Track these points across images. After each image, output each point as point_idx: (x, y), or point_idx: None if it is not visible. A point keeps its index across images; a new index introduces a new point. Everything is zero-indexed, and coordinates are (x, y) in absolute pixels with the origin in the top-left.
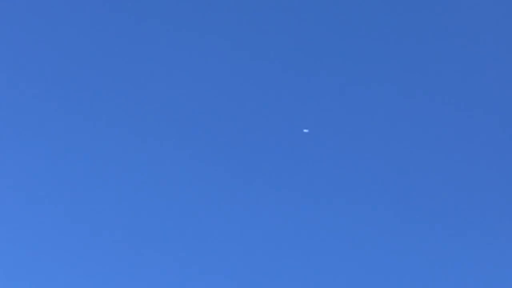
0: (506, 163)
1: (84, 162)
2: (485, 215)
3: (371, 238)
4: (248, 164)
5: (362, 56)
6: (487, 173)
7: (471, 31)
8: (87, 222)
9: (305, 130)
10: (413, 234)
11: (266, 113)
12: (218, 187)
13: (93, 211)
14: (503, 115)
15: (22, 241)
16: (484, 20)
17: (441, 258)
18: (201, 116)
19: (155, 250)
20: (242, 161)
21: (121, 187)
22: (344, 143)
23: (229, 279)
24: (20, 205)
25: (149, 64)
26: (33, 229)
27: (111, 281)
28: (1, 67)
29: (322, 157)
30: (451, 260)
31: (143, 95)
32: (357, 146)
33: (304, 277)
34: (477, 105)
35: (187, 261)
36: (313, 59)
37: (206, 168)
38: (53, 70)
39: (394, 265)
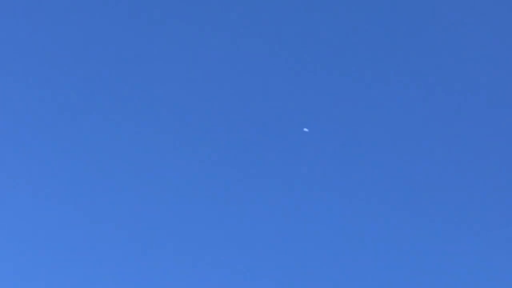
0: (506, 163)
1: (84, 162)
2: (485, 215)
3: (370, 237)
4: (248, 163)
5: (363, 55)
6: (487, 173)
7: (471, 31)
8: (86, 222)
9: (305, 129)
10: (413, 234)
11: (265, 111)
12: (217, 186)
13: (92, 211)
14: (503, 115)
15: (22, 240)
16: (485, 20)
17: (441, 258)
18: (200, 115)
19: (156, 250)
20: (242, 160)
21: (121, 187)
22: (344, 142)
23: (229, 279)
24: (20, 205)
25: (149, 63)
26: (32, 229)
27: (111, 280)
28: (1, 67)
29: (322, 156)
30: (450, 260)
31: (143, 95)
32: (357, 145)
33: (303, 277)
34: (477, 105)
35: (188, 261)
36: (314, 57)
37: (205, 167)
38: (53, 69)
39: (395, 265)
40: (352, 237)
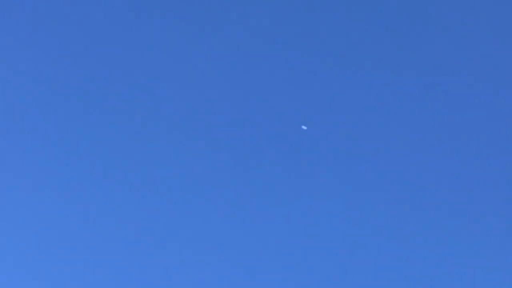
0: (506, 164)
1: (85, 162)
2: (485, 215)
3: (369, 236)
4: (247, 162)
5: (362, 54)
6: (487, 174)
7: (471, 31)
8: (86, 222)
9: (304, 127)
10: (412, 233)
11: (264, 110)
12: (216, 185)
13: (93, 211)
14: (503, 116)
15: (22, 240)
16: (485, 20)
17: (441, 258)
18: (199, 115)
19: (156, 250)
20: (240, 157)
21: (121, 187)
22: (343, 141)
23: (229, 279)
24: (20, 204)
25: (148, 63)
26: (32, 228)
27: (112, 280)
28: (1, 67)
29: (320, 155)
30: (450, 260)
31: (143, 95)
32: (357, 144)
33: (303, 276)
34: (478, 106)
35: (188, 261)
36: (313, 57)
37: (205, 167)
38: (53, 69)
39: (394, 265)
40: (351, 234)
